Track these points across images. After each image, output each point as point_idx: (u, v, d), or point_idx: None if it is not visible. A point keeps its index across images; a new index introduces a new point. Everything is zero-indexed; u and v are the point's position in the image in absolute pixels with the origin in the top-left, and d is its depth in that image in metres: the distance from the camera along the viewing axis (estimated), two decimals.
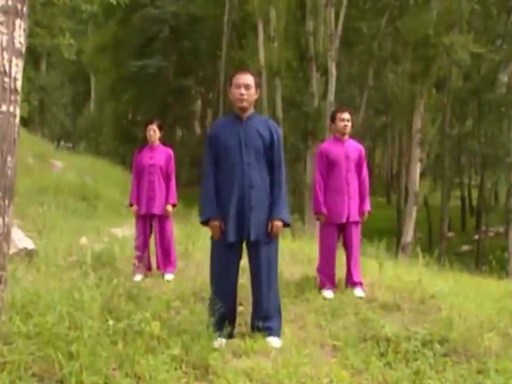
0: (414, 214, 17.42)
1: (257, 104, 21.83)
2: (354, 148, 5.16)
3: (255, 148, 3.63)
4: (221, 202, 3.62)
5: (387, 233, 24.84)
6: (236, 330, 3.78)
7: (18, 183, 12.54)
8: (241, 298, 4.63)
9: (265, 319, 3.65)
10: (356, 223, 5.09)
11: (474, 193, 30.38)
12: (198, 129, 40.29)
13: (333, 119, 5.14)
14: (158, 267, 5.82)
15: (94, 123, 30.56)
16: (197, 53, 28.01)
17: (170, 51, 26.86)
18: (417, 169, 17.58)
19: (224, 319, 3.51)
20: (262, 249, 3.64)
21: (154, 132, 5.77)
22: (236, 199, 3.59)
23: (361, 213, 5.13)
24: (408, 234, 17.38)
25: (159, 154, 5.80)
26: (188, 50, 27.40)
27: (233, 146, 3.61)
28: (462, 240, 28.23)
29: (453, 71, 21.73)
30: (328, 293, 4.82)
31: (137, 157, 5.87)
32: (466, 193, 32.39)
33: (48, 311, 3.05)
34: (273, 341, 3.55)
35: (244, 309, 4.38)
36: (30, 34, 8.66)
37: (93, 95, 34.26)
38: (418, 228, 27.69)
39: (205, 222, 3.66)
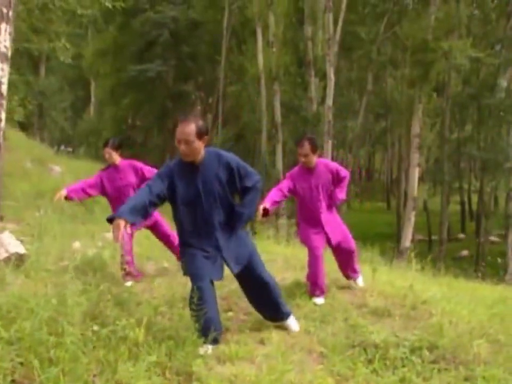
0: (412, 219, 17.39)
1: (257, 109, 21.93)
2: (324, 172, 4.94)
3: (214, 194, 3.60)
4: (188, 244, 3.66)
5: (387, 238, 24.83)
6: (224, 336, 3.74)
7: (15, 187, 12.52)
8: (231, 304, 4.63)
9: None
10: (338, 244, 5.01)
11: (475, 198, 30.38)
12: None
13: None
14: None
15: (93, 127, 30.62)
16: (196, 58, 28.06)
17: (169, 56, 26.90)
18: (415, 174, 17.57)
19: (210, 325, 3.48)
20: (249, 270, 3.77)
21: (110, 155, 5.54)
22: (202, 243, 3.63)
23: (335, 201, 5.01)
24: (407, 239, 17.34)
25: (127, 173, 5.60)
26: (187, 55, 27.46)
27: (192, 197, 3.58)
28: (462, 245, 28.18)
29: (452, 76, 21.79)
30: (319, 300, 4.79)
31: (103, 178, 5.62)
32: (466, 198, 32.38)
33: (30, 316, 3.03)
34: (292, 323, 3.95)
35: (234, 314, 4.35)
36: (26, 39, 8.70)
37: (93, 99, 34.34)
38: (421, 232, 27.72)
39: (110, 220, 3.43)
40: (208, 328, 3.44)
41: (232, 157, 3.67)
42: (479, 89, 22.80)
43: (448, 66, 19.05)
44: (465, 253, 26.64)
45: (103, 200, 15.35)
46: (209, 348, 3.42)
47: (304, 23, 19.27)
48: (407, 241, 17.33)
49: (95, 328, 3.21)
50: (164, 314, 4.06)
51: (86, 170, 18.24)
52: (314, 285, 4.91)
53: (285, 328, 3.98)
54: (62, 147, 34.47)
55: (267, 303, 3.87)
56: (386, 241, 22.40)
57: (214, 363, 3.25)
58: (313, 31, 19.17)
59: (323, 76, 18.66)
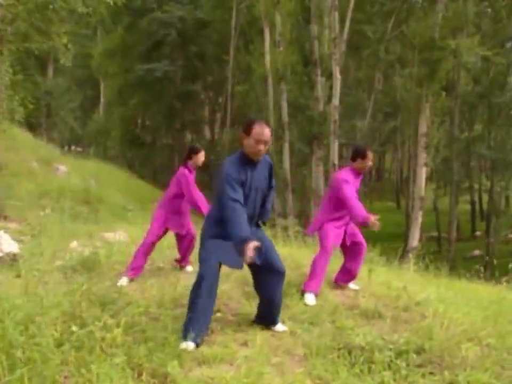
0: (419, 219, 17.20)
1: (264, 108, 21.85)
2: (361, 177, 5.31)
3: (262, 191, 3.93)
4: (216, 236, 3.76)
5: (396, 238, 24.63)
6: (208, 337, 3.70)
7: (20, 187, 12.53)
8: (220, 305, 4.57)
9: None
10: (352, 242, 5.23)
11: (486, 198, 30.07)
12: (207, 134, 40.48)
13: (364, 157, 5.09)
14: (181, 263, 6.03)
15: (102, 127, 30.72)
16: (204, 58, 28.05)
17: (177, 55, 26.92)
18: (422, 173, 17.38)
19: (189, 326, 3.47)
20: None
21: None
22: None
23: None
24: (414, 239, 17.15)
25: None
26: (195, 54, 27.46)
27: (247, 192, 3.80)
28: (474, 245, 27.86)
29: (462, 75, 21.57)
30: (310, 300, 4.73)
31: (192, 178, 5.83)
32: (477, 198, 32.07)
33: (6, 316, 3.00)
34: (281, 327, 3.99)
35: (222, 315, 4.30)
36: (26, 39, 8.73)
37: (102, 99, 34.46)
38: (433, 230, 27.44)
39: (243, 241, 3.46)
40: (187, 329, 3.42)
41: (270, 159, 4.06)
42: (488, 87, 22.52)
43: (456, 64, 18.85)
44: (477, 252, 26.37)
45: (109, 200, 15.34)
46: (190, 345, 3.39)
47: (311, 22, 19.14)
48: (414, 241, 17.14)
49: (74, 328, 3.18)
50: (149, 315, 4.02)
51: (93, 170, 18.35)
52: (313, 279, 4.90)
53: (271, 331, 3.93)
54: (73, 147, 34.70)
55: (278, 294, 3.98)
56: (395, 241, 22.25)
57: (194, 365, 3.20)
58: (320, 30, 19.03)
59: (329, 75, 18.53)
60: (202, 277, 3.63)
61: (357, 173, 5.16)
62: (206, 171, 34.19)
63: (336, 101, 17.25)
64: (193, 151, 5.82)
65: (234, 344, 3.56)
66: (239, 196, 3.60)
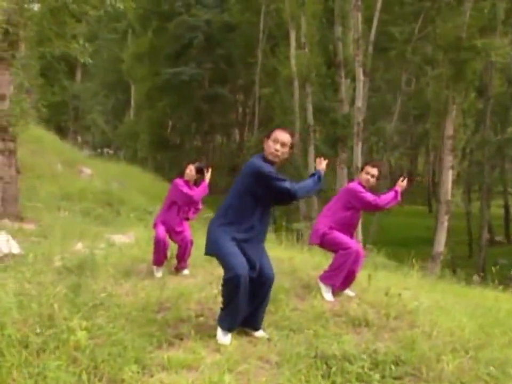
0: (445, 223, 16.73)
1: (289, 111, 21.69)
2: None
3: None
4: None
5: (425, 242, 24.05)
6: (181, 342, 3.64)
7: (42, 189, 12.71)
8: (204, 309, 4.51)
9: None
10: None
11: None
12: (237, 137, 40.56)
13: (361, 170, 5.35)
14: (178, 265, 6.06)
15: (131, 130, 31.12)
16: (231, 61, 28.12)
17: (204, 59, 27.08)
18: (449, 176, 16.90)
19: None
20: None
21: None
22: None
23: None
24: (440, 244, 16.69)
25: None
26: (222, 57, 27.57)
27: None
28: (507, 250, 26.91)
29: (495, 75, 20.93)
30: (329, 295, 4.96)
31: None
32: (511, 202, 31.01)
33: None
34: (261, 333, 3.92)
35: (204, 320, 4.23)
36: (40, 43, 8.88)
37: (132, 102, 34.94)
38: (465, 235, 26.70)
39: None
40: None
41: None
42: None
43: (489, 65, 18.28)
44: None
45: (131, 203, 15.41)
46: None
47: (334, 23, 18.92)
48: (440, 246, 16.68)
49: (38, 330, 3.17)
50: (129, 318, 3.98)
51: (118, 173, 18.60)
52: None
53: (249, 336, 3.85)
54: (105, 150, 35.30)
55: (267, 300, 4.00)
56: (424, 245, 21.73)
57: (157, 370, 3.14)
58: (344, 31, 18.80)
59: (354, 77, 18.26)
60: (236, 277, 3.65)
61: (362, 186, 5.23)
62: (234, 173, 34.23)
63: (359, 103, 16.97)
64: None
65: (205, 350, 3.48)
66: (286, 181, 3.75)
